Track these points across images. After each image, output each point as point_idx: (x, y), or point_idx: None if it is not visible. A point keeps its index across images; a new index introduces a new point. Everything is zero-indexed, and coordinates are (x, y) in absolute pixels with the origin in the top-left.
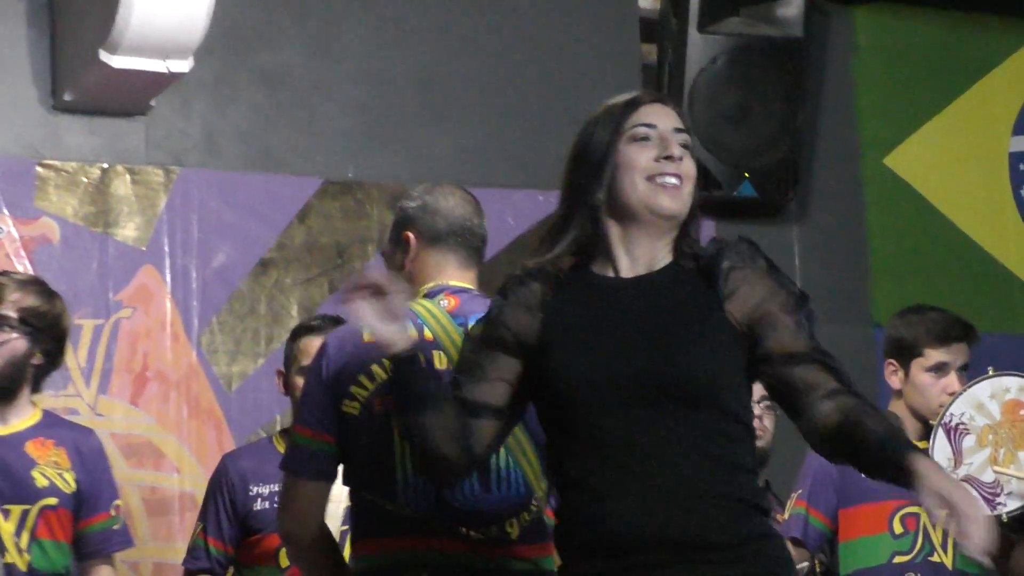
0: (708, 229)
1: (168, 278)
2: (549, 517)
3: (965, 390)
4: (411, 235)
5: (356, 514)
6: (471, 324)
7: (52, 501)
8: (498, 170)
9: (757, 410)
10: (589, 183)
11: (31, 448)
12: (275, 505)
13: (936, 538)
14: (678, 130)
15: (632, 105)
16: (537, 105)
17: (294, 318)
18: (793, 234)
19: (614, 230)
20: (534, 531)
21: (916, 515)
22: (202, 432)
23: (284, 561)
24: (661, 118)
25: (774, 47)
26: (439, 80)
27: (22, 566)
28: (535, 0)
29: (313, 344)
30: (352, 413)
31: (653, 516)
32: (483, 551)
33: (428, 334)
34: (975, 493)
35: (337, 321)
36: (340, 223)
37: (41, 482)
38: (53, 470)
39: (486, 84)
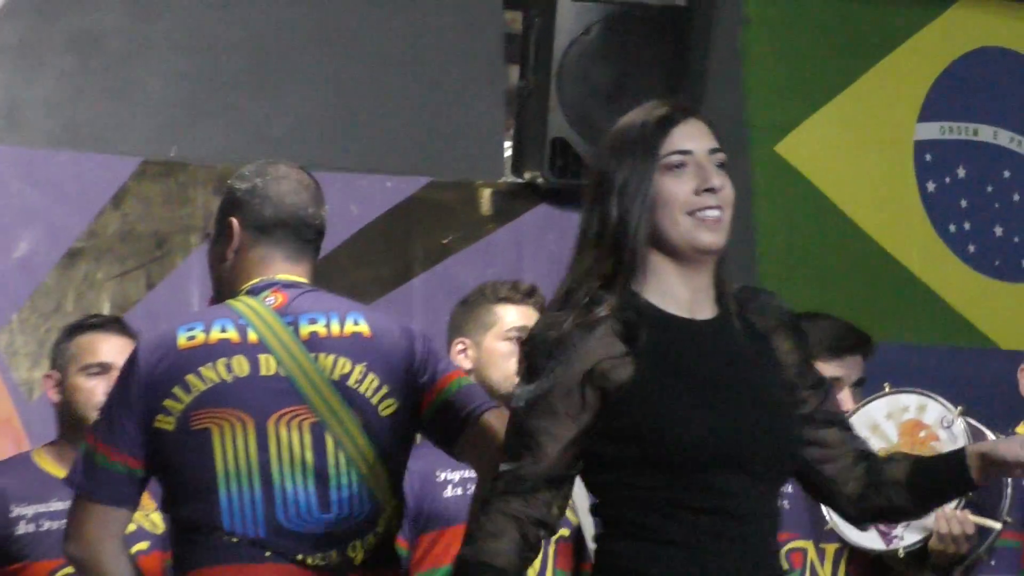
0: (575, 226)
1: None
2: (401, 546)
3: (859, 409)
4: (235, 222)
5: (176, 543)
6: (302, 324)
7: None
8: (341, 152)
9: None
10: (628, 216)
11: None
12: (41, 528)
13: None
14: (714, 151)
15: (664, 126)
16: (386, 80)
17: None
18: None
19: (667, 265)
20: (381, 557)
21: (803, 550)
22: None
23: None
24: (696, 140)
25: (654, 17)
26: (275, 49)
27: None
28: None
29: (100, 342)
30: (166, 429)
31: None
32: None
33: (253, 336)
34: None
35: (118, 322)
36: (160, 209)
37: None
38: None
39: (330, 54)
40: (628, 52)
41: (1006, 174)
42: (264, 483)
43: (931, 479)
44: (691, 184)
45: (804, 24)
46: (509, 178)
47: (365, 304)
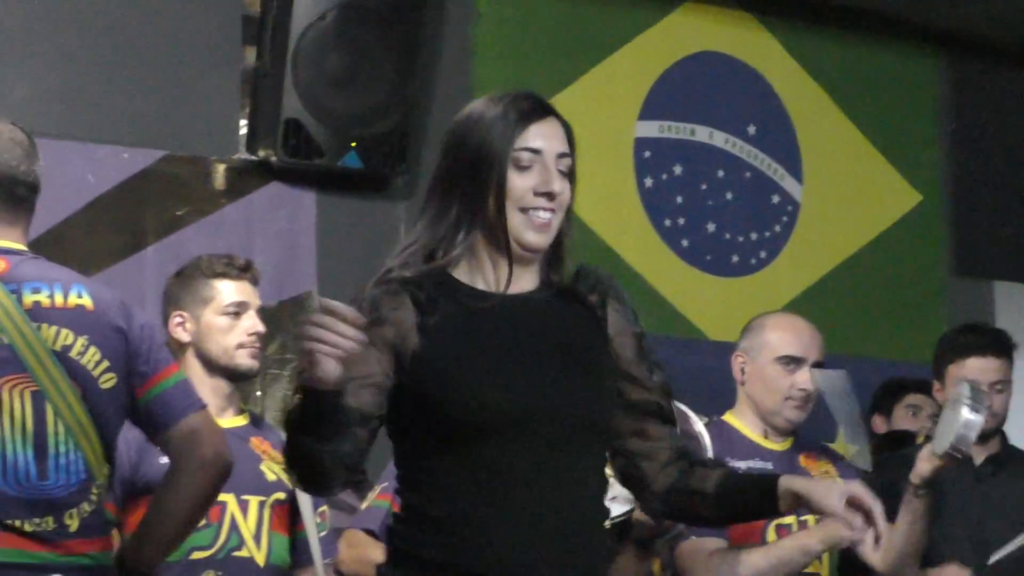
0: (309, 201)
1: None
2: (110, 511)
3: None
4: None
5: None
6: (25, 293)
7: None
8: (79, 122)
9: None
10: (475, 195)
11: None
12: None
13: None
14: (562, 155)
15: (523, 121)
16: (126, 54)
17: None
18: (400, 211)
19: (483, 244)
20: (94, 524)
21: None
22: None
23: None
24: (549, 140)
25: (388, 6)
26: (16, 17)
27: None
28: None
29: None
30: None
31: (542, 553)
32: (37, 547)
33: None
34: None
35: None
36: None
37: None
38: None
39: (71, 25)
40: (362, 40)
41: (720, 173)
42: None
43: (738, 499)
44: (532, 182)
45: (532, 21)
46: (243, 155)
47: (98, 272)
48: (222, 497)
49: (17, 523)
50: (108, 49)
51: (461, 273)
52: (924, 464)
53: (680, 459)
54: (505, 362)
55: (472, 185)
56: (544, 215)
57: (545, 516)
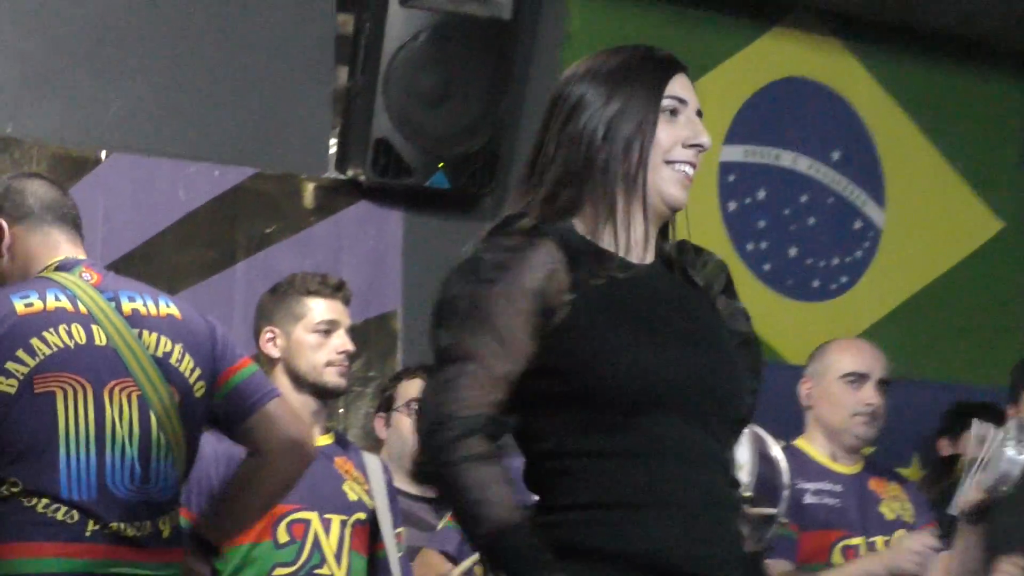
0: (396, 220)
1: None
2: (186, 518)
3: None
4: (2, 222)
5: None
6: (123, 301)
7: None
8: (173, 139)
9: None
10: (614, 147)
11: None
12: None
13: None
14: (699, 112)
15: (667, 70)
16: (219, 72)
17: None
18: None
19: (617, 204)
20: (178, 533)
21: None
22: None
23: None
24: (690, 94)
25: (480, 27)
26: (114, 35)
27: None
28: None
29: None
30: (7, 392)
31: (697, 536)
32: (136, 555)
33: (82, 307)
34: None
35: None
36: None
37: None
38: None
39: (167, 43)
40: (453, 60)
41: (803, 198)
42: (99, 449)
43: None
44: (682, 134)
45: (622, 43)
46: (332, 174)
47: (188, 287)
48: (306, 515)
49: (121, 527)
50: (201, 68)
51: (598, 237)
52: (971, 495)
53: None
54: (657, 335)
55: (611, 134)
56: (690, 169)
57: (704, 498)
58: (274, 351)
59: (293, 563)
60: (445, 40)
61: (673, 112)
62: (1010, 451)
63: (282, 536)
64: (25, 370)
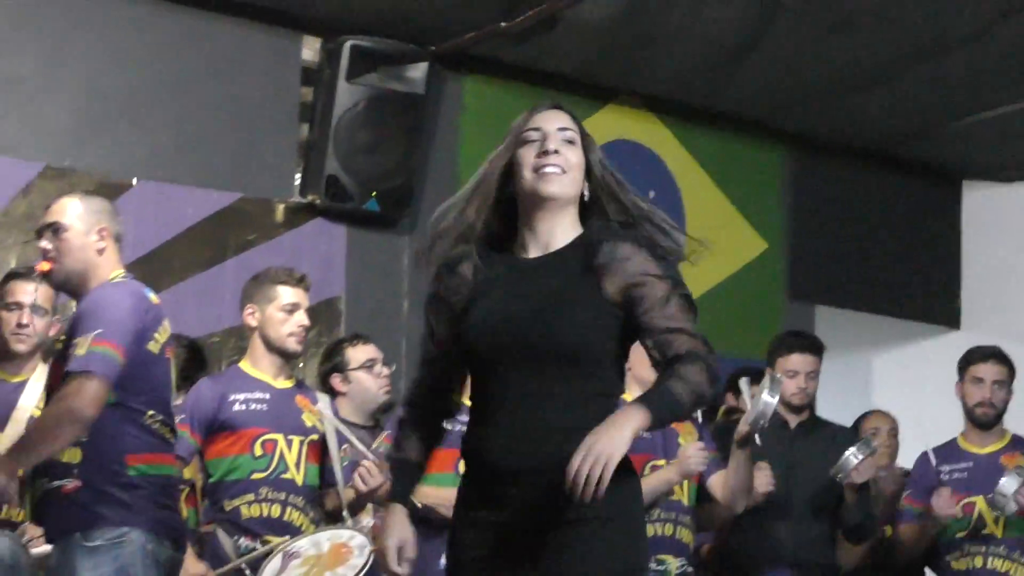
0: (341, 233)
1: None
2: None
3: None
4: (107, 230)
5: (134, 432)
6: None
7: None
8: (183, 170)
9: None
10: (502, 181)
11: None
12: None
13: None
14: (562, 128)
15: (529, 115)
16: (218, 125)
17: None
18: (404, 242)
19: (522, 217)
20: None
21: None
22: None
23: None
24: (549, 121)
25: (401, 99)
26: (143, 92)
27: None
28: (220, 48)
29: (19, 286)
30: (152, 351)
31: (512, 447)
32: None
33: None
34: None
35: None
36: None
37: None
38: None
39: (180, 103)
40: (382, 121)
41: None
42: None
43: None
44: (535, 150)
45: (506, 114)
46: (297, 199)
47: (192, 277)
48: (274, 436)
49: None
50: (204, 122)
51: (515, 248)
52: (740, 428)
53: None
54: (502, 306)
55: (504, 173)
56: (552, 168)
57: (514, 422)
58: (253, 323)
59: (265, 469)
60: (377, 108)
61: (530, 140)
62: (765, 396)
63: (257, 451)
64: (162, 340)
